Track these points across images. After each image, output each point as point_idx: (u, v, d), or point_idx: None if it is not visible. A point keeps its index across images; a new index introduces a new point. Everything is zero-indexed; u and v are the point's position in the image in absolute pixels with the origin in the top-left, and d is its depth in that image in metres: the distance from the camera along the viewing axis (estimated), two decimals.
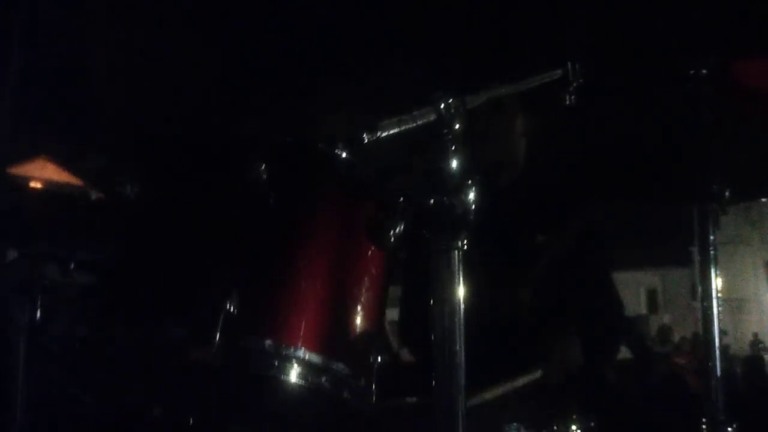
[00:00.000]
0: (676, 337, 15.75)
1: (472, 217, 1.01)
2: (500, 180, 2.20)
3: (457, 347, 0.99)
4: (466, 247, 1.03)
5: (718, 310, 1.69)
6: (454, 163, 1.03)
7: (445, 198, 1.01)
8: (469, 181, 1.02)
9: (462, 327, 1.01)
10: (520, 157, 2.20)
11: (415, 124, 1.01)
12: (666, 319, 23.96)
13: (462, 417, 0.98)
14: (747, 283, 29.77)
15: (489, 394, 1.80)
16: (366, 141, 0.97)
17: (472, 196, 1.02)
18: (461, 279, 1.02)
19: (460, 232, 1.02)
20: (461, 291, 1.02)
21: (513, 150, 2.19)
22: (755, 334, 22.66)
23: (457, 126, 1.03)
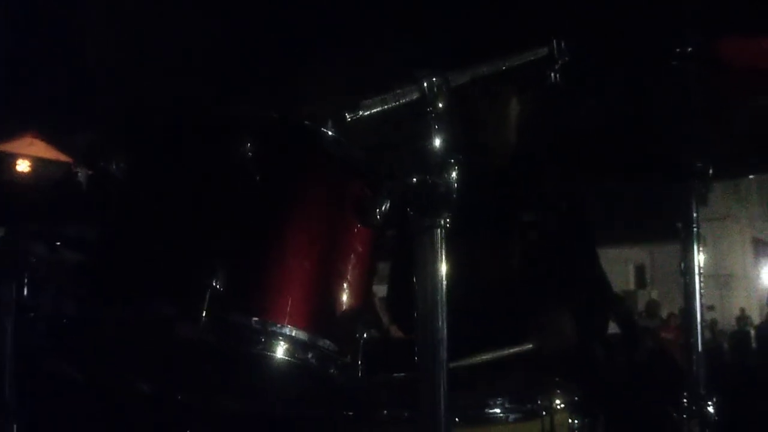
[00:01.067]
0: (664, 313, 15.90)
1: (455, 196, 1.02)
2: (491, 161, 2.22)
3: (440, 323, 1.01)
4: (449, 225, 1.04)
5: (701, 286, 1.71)
6: (437, 142, 1.03)
7: (428, 176, 1.02)
8: (453, 160, 1.02)
9: (444, 304, 1.02)
10: (512, 139, 2.22)
11: (397, 103, 1.00)
12: (654, 294, 24.19)
13: (444, 392, 1.00)
14: (734, 260, 30.03)
15: (477, 360, 1.83)
16: (348, 120, 0.97)
17: (455, 174, 1.02)
18: (444, 257, 1.03)
19: (443, 211, 1.03)
20: (444, 269, 1.03)
21: (506, 134, 2.20)
22: (742, 310, 22.94)
23: (440, 104, 1.03)
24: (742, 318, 20.90)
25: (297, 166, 1.33)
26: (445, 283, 1.03)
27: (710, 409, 1.60)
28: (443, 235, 1.03)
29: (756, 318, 20.59)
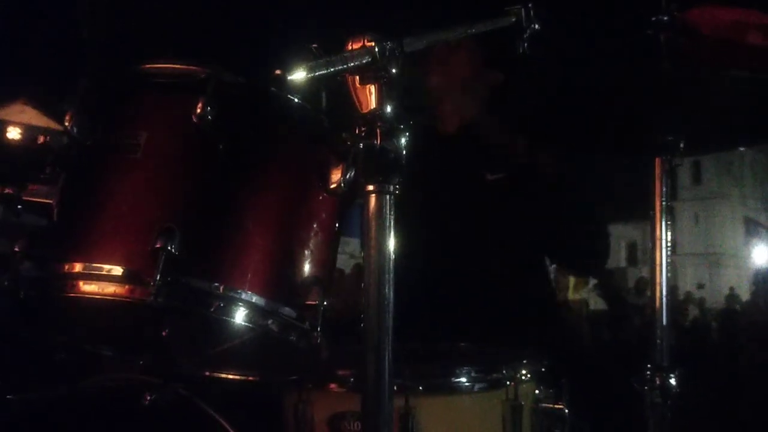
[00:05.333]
0: None
1: (404, 162, 1.01)
2: (447, 126, 2.21)
3: (387, 290, 1.00)
4: (398, 191, 1.03)
5: (667, 261, 1.72)
6: (388, 108, 1.02)
7: (376, 142, 1.00)
8: (402, 126, 1.01)
9: (392, 271, 1.01)
10: (475, 104, 2.20)
11: (346, 66, 0.98)
12: (645, 272, 24.27)
13: (389, 359, 0.99)
14: (726, 238, 30.17)
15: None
16: (291, 82, 0.95)
17: (404, 140, 1.01)
18: (392, 223, 1.02)
19: (392, 176, 1.02)
20: (392, 235, 1.02)
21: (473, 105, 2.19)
22: (731, 288, 23.13)
23: (393, 69, 1.01)
24: (731, 296, 21.06)
25: (260, 131, 1.32)
26: (393, 250, 1.02)
27: (672, 381, 1.61)
28: (392, 201, 1.02)
29: (745, 297, 20.75)
